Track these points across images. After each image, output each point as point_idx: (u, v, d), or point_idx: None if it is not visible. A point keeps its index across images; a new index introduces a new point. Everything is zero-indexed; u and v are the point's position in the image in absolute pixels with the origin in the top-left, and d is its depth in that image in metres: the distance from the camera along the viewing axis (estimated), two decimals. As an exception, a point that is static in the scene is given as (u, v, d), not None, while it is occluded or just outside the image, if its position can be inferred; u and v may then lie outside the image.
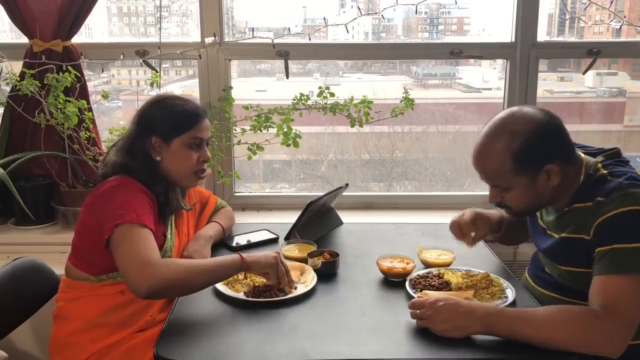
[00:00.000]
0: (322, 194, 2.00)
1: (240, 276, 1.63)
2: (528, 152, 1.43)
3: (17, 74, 2.29)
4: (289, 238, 1.92)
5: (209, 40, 2.39)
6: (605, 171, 1.47)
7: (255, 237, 1.99)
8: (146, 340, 1.49)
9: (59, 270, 1.83)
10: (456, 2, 2.53)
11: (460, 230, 1.70)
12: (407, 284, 1.60)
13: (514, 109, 1.50)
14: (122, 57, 2.41)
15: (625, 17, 2.59)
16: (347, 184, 2.10)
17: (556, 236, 1.55)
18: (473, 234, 1.69)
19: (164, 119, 1.64)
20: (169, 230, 1.70)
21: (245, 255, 1.54)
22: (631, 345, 1.38)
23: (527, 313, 1.35)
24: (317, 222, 2.05)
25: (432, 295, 1.46)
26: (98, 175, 1.69)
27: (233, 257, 1.53)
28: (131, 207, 1.50)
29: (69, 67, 2.28)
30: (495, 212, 1.77)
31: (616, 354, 1.30)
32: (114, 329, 1.54)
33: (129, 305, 1.56)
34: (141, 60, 2.43)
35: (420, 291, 1.54)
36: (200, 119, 1.67)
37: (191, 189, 1.89)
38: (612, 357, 1.31)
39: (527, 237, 1.84)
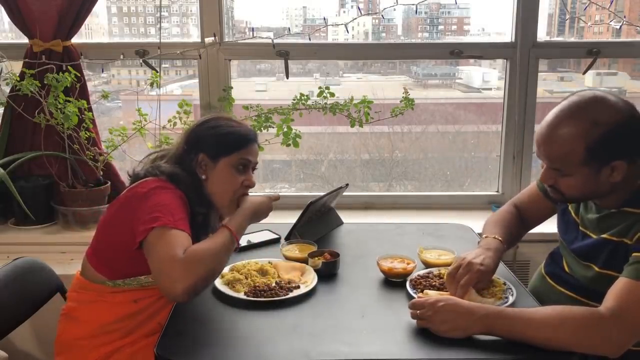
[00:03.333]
0: (322, 194, 2.00)
1: (241, 276, 1.63)
2: (604, 145, 1.36)
3: (17, 74, 2.30)
4: (289, 238, 1.92)
5: (209, 40, 2.40)
6: None
7: (257, 238, 1.99)
8: (151, 344, 1.49)
9: (59, 270, 1.84)
10: (456, 2, 2.53)
11: (455, 288, 1.50)
12: (407, 284, 1.59)
13: (598, 94, 1.42)
14: (122, 57, 2.41)
15: (625, 17, 2.59)
16: (347, 184, 2.10)
17: (594, 236, 1.51)
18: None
19: (213, 137, 1.61)
20: None
21: (248, 210, 1.58)
22: (633, 352, 1.39)
23: (527, 313, 1.34)
24: (317, 222, 2.05)
25: (432, 295, 1.46)
26: (135, 173, 1.62)
27: (224, 232, 1.48)
28: (168, 209, 1.44)
29: (69, 67, 2.28)
30: (501, 249, 1.63)
31: (616, 354, 1.30)
32: (122, 335, 1.54)
33: (139, 314, 1.55)
34: (141, 60, 2.43)
35: (421, 291, 1.54)
36: (251, 142, 1.64)
37: None
38: (611, 357, 1.31)
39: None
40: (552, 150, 1.43)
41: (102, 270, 1.56)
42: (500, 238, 1.66)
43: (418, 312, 1.37)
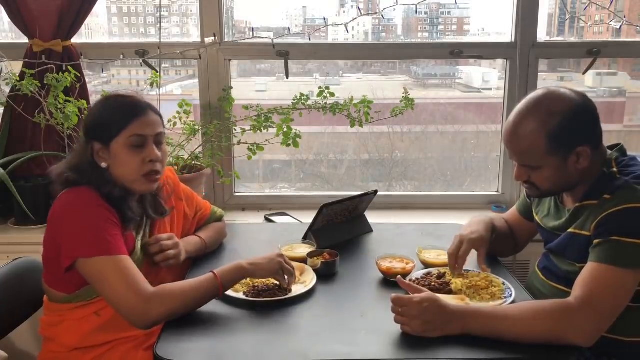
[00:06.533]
0: (337, 196, 1.96)
1: None
2: (563, 132, 1.44)
3: (17, 74, 2.29)
4: (305, 238, 1.91)
5: (209, 40, 2.39)
6: (615, 169, 1.49)
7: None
8: (142, 341, 1.49)
9: (59, 270, 1.84)
10: (456, 2, 2.53)
11: (455, 263, 1.64)
12: (406, 284, 1.60)
13: (551, 88, 1.51)
14: (122, 57, 2.41)
15: (625, 17, 2.59)
16: (376, 191, 2.05)
17: (561, 233, 1.57)
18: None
19: (96, 120, 1.48)
20: (140, 238, 1.57)
21: (245, 263, 1.50)
22: (626, 343, 1.44)
23: (502, 310, 1.38)
24: (340, 227, 1.99)
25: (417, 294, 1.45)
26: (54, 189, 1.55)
27: (208, 277, 1.45)
28: (92, 234, 1.39)
29: (69, 67, 2.28)
30: (489, 222, 1.77)
31: (588, 343, 1.32)
32: (102, 345, 1.49)
33: (107, 327, 1.48)
34: (141, 60, 2.43)
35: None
36: (139, 114, 1.47)
37: (191, 196, 1.81)
38: (584, 347, 1.33)
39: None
40: (518, 146, 1.50)
41: (58, 285, 1.51)
42: (488, 216, 1.80)
43: (400, 309, 1.36)
